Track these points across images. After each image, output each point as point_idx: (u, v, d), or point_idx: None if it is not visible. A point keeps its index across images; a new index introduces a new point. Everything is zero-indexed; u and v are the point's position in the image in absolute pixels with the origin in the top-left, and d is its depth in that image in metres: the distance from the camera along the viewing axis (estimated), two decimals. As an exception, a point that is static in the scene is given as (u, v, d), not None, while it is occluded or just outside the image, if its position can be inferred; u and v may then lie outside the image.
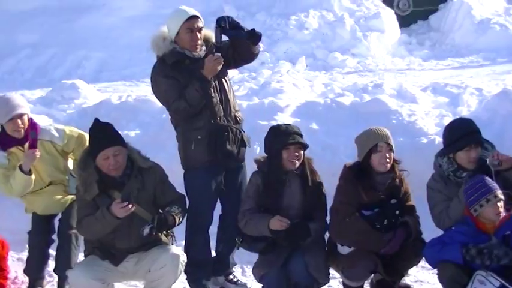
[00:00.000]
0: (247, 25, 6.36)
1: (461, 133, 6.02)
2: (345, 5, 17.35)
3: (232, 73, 13.32)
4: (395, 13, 18.27)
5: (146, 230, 5.86)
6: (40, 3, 18.30)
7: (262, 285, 6.21)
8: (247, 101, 9.70)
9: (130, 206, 5.80)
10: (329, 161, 7.84)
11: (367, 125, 6.50)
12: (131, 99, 10.15)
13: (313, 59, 15.56)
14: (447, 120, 7.92)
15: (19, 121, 6.63)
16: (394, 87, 10.07)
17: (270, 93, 10.11)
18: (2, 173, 6.70)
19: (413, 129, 8.68)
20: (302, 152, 6.18)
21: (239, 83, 12.44)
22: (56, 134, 6.81)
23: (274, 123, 8.76)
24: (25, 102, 6.86)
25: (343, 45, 16.02)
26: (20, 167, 6.56)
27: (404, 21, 18.63)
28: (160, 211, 6.09)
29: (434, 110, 9.33)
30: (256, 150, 8.03)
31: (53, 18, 17.76)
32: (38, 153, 6.53)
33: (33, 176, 6.61)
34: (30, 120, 6.74)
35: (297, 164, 6.12)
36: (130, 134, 8.75)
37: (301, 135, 6.23)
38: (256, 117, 8.87)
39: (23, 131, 6.65)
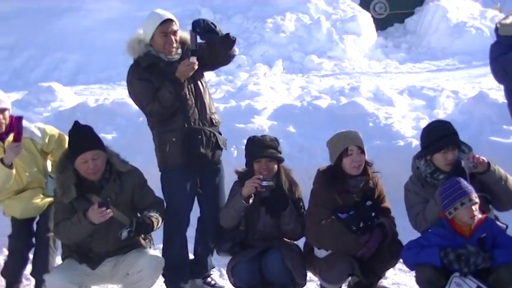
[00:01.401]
0: (224, 28, 6.35)
1: (439, 135, 6.04)
2: (321, 8, 17.40)
3: (209, 76, 13.38)
4: (372, 16, 18.37)
5: (124, 234, 5.86)
6: (17, 6, 18.24)
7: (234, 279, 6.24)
8: (224, 104, 9.71)
9: (108, 211, 5.79)
10: (306, 164, 7.86)
11: (344, 127, 6.50)
12: (108, 102, 10.13)
13: (290, 62, 15.59)
14: (424, 123, 7.96)
15: (0, 116, 6.58)
16: (370, 90, 10.10)
17: (247, 96, 10.12)
18: None
19: (390, 132, 8.71)
20: (275, 165, 6.21)
21: (216, 86, 12.45)
22: (37, 132, 6.73)
23: (251, 126, 8.82)
24: (6, 97, 6.78)
25: (319, 48, 16.07)
26: (1, 160, 6.49)
27: (381, 24, 18.73)
28: (139, 215, 6.06)
29: (411, 112, 9.37)
30: (233, 153, 8.03)
31: (30, 20, 17.68)
32: (21, 147, 6.49)
33: (14, 171, 6.53)
34: (11, 117, 6.68)
35: (265, 184, 6.06)
36: (107, 137, 8.73)
37: (275, 148, 6.24)
38: (233, 120, 8.88)
39: (4, 126, 6.58)
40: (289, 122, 9.01)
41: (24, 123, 6.74)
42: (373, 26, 17.71)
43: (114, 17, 17.60)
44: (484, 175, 5.83)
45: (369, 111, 9.07)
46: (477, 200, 5.65)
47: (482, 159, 5.83)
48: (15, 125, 6.54)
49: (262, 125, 8.89)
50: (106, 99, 10.46)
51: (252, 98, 9.97)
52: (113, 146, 6.54)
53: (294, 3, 17.37)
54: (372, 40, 17.25)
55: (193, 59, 6.13)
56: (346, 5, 17.80)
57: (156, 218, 6.03)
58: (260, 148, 6.22)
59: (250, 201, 6.06)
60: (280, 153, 6.27)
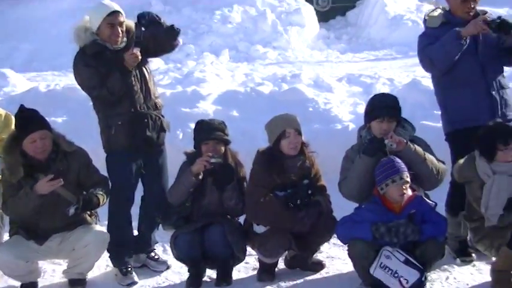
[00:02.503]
0: (173, 19, 6.44)
1: (377, 105, 6.14)
2: (267, 0, 17.43)
3: (158, 64, 13.36)
4: (315, 9, 18.44)
5: (71, 210, 5.90)
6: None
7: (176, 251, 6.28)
8: (171, 90, 9.69)
9: (56, 181, 5.83)
10: (248, 147, 7.83)
11: (285, 112, 6.56)
12: (59, 87, 10.06)
13: (236, 52, 15.61)
14: (360, 108, 8.04)
15: None
16: (311, 77, 10.16)
17: (193, 82, 10.12)
18: None
19: (329, 116, 8.78)
20: (222, 147, 6.26)
21: (164, 74, 12.38)
22: None
23: (196, 110, 8.84)
24: None
25: (264, 39, 16.11)
26: None
27: (324, 17, 18.80)
28: (85, 192, 6.08)
29: (349, 98, 9.45)
30: (179, 136, 8.04)
31: (-15, 9, 17.45)
32: None
33: None
34: None
35: (213, 161, 6.12)
36: (57, 120, 8.68)
37: (223, 131, 6.30)
38: (179, 105, 8.88)
39: None
40: (232, 107, 9.03)
41: None
42: (315, 19, 17.79)
43: (67, 7, 17.38)
44: (402, 153, 5.92)
45: (309, 97, 9.13)
46: (408, 180, 5.74)
47: (399, 139, 5.91)
48: None
49: (207, 109, 8.90)
50: (57, 85, 10.39)
51: (198, 84, 9.96)
52: (63, 129, 6.55)
53: (241, -4, 17.43)
54: (314, 31, 17.34)
55: (137, 51, 6.15)
56: (291, -2, 17.89)
57: (102, 195, 6.07)
58: (208, 131, 6.27)
59: (200, 177, 6.12)
60: (227, 135, 6.33)
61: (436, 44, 6.11)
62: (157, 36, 6.30)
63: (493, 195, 5.68)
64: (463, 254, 6.39)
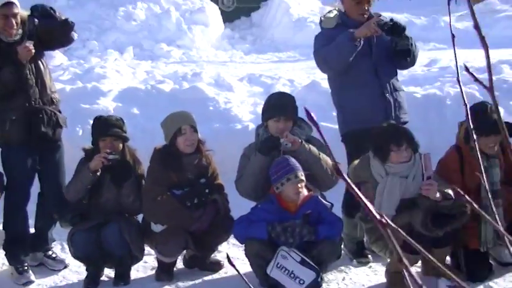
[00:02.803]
0: (77, 14, 6.36)
1: (274, 104, 6.20)
2: (171, -2, 17.37)
3: (61, 60, 13.11)
4: (220, 9, 18.39)
5: None
6: None
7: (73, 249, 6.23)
8: (71, 85, 9.54)
9: None
10: (148, 144, 7.78)
11: (186, 110, 6.55)
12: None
13: (140, 49, 15.45)
14: (260, 108, 8.05)
15: None
16: (212, 76, 10.17)
17: (94, 78, 10.00)
18: None
19: (229, 115, 8.80)
20: (120, 144, 6.23)
21: (65, 69, 12.18)
22: None
23: (96, 106, 8.72)
24: None
25: (169, 37, 15.98)
26: None
27: (228, 17, 18.77)
28: None
29: (249, 98, 9.48)
30: (78, 132, 7.91)
31: None
32: None
33: None
34: None
35: (111, 157, 6.11)
36: None
37: (121, 127, 6.27)
38: (79, 100, 8.76)
39: None
40: (133, 104, 8.98)
41: None
42: (220, 18, 17.75)
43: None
44: (296, 153, 5.98)
45: (210, 95, 9.14)
46: (303, 178, 5.80)
47: (294, 138, 5.97)
48: None
49: (107, 106, 8.80)
50: None
51: (99, 80, 9.85)
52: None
53: (146, -7, 17.28)
54: (219, 31, 17.30)
55: (30, 44, 6.08)
56: (196, -3, 17.83)
57: None
58: (106, 127, 6.24)
59: (98, 174, 6.09)
60: (125, 132, 6.30)
61: (330, 44, 6.15)
62: (51, 30, 6.25)
63: (385, 196, 5.76)
64: (360, 255, 6.46)
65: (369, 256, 6.45)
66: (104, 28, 16.03)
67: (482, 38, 1.42)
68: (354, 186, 1.40)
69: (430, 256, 1.57)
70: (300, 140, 5.99)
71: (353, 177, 6.08)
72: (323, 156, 6.06)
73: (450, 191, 5.60)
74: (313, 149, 6.03)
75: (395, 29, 6.15)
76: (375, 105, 6.32)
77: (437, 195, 5.62)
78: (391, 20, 6.25)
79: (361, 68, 6.22)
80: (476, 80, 1.46)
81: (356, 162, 6.04)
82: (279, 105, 6.17)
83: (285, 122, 6.08)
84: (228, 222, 6.08)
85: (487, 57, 1.45)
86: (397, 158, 5.81)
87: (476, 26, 1.44)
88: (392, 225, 1.48)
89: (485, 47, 1.42)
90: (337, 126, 6.70)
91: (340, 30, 6.23)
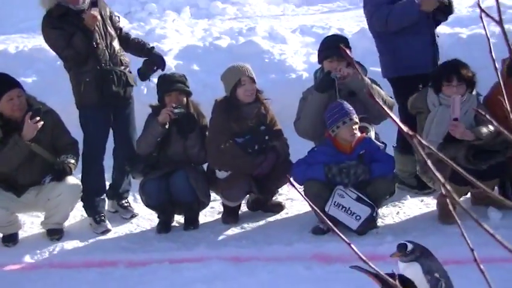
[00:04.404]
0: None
1: (327, 45, 6.25)
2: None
3: (123, 23, 13.20)
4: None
5: (47, 181, 6.13)
6: None
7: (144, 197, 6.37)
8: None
9: (38, 120, 6.03)
10: (209, 98, 7.91)
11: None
12: (27, 49, 9.96)
13: (197, 9, 15.43)
14: (313, 58, 8.07)
15: None
16: (266, 29, 10.13)
17: (155, 38, 10.02)
18: None
19: (284, 66, 8.80)
20: (184, 98, 6.30)
21: (128, 32, 12.27)
22: None
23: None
24: None
25: (223, -6, 15.97)
26: None
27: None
28: (58, 159, 6.20)
29: (302, 49, 9.45)
30: (143, 91, 8.04)
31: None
32: None
33: None
34: None
35: (176, 111, 6.20)
36: (27, 80, 8.57)
37: (184, 83, 6.35)
38: (141, 60, 8.84)
39: None
40: (193, 61, 9.02)
41: None
42: None
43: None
44: (349, 82, 6.04)
45: (264, 48, 9.14)
46: (357, 120, 5.84)
47: (347, 71, 5.99)
48: None
49: (169, 64, 8.84)
50: (25, 46, 10.28)
51: (159, 40, 9.92)
52: (33, 89, 6.62)
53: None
54: None
55: (95, 11, 6.22)
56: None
57: (73, 164, 6.21)
58: (170, 83, 6.34)
59: (166, 127, 6.18)
60: (188, 87, 6.38)
61: (396, 9, 6.14)
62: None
63: (434, 124, 5.77)
64: (423, 188, 6.48)
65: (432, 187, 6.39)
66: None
67: None
68: (388, 111, 1.45)
69: (478, 183, 1.53)
70: (351, 71, 5.99)
71: (410, 108, 6.09)
72: (375, 86, 6.12)
73: (491, 127, 5.59)
74: (365, 78, 6.02)
75: (448, 10, 6.30)
76: (426, 52, 6.36)
77: (470, 134, 5.66)
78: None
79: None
80: (487, 15, 1.52)
81: (415, 94, 6.08)
82: (333, 47, 6.14)
83: (338, 62, 6.10)
84: (287, 165, 6.14)
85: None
86: (448, 91, 5.83)
87: None
88: (436, 152, 1.53)
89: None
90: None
91: None
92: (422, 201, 6.45)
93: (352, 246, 1.58)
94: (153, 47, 6.81)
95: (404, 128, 1.39)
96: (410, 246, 3.89)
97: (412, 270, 3.89)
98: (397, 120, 1.42)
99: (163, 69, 6.68)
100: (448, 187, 1.46)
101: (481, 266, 1.53)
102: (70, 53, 6.26)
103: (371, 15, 6.43)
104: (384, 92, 6.23)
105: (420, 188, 6.49)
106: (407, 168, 6.47)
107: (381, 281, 3.43)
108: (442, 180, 1.45)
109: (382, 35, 6.54)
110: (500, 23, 1.39)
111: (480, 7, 1.48)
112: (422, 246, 3.98)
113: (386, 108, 1.44)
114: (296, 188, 1.73)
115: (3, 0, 16.17)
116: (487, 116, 1.63)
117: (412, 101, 6.01)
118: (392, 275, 3.66)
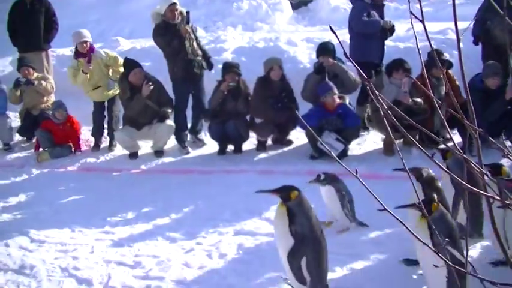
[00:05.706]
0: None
1: (319, 48, 6.31)
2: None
3: (201, 32, 12.95)
4: (289, 1, 17.58)
5: (155, 121, 6.19)
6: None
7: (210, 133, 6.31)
8: (207, 46, 9.50)
9: (151, 85, 6.00)
10: (251, 77, 7.77)
11: (273, 55, 6.58)
12: (146, 46, 9.82)
13: (245, 25, 14.97)
14: (313, 55, 7.83)
15: (84, 44, 6.52)
16: (286, 38, 9.64)
17: (220, 41, 9.73)
18: (72, 72, 6.58)
19: (295, 60, 8.40)
20: (237, 76, 6.17)
21: (203, 38, 12.10)
22: (103, 54, 6.65)
23: (221, 58, 8.55)
24: (89, 34, 6.67)
25: (262, 19, 15.43)
26: (82, 70, 6.48)
27: (294, 6, 17.57)
28: (161, 109, 6.19)
29: (307, 50, 8.95)
30: (211, 71, 8.00)
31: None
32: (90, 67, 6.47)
33: (88, 75, 6.51)
34: (91, 45, 6.63)
35: (231, 84, 6.11)
36: (146, 64, 8.42)
37: (237, 67, 6.22)
38: (212, 54, 8.75)
39: (85, 50, 6.54)
40: (242, 55, 8.60)
41: (96, 49, 6.69)
42: (289, 6, 16.86)
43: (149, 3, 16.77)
44: (334, 69, 5.98)
45: (284, 49, 8.79)
46: (337, 92, 5.76)
47: (332, 62, 5.95)
48: (90, 51, 6.53)
49: (227, 57, 8.69)
50: (142, 46, 10.18)
51: (223, 42, 9.56)
52: (150, 68, 6.64)
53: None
54: (289, 14, 16.25)
55: (187, 26, 6.15)
56: None
57: (170, 112, 6.25)
58: (229, 67, 6.26)
59: (225, 92, 6.10)
60: (239, 70, 6.24)
61: (369, 22, 6.26)
62: None
63: (386, 95, 5.59)
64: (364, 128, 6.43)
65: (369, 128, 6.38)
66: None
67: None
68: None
69: (407, 134, 1.55)
70: (335, 62, 6.00)
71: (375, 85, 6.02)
72: (349, 71, 6.05)
73: (419, 99, 5.57)
74: (344, 66, 6.03)
75: (392, 31, 6.40)
76: (377, 50, 6.41)
77: (410, 101, 5.59)
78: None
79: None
80: (414, 15, 1.45)
81: (376, 76, 6.04)
82: (323, 49, 6.13)
83: (327, 57, 6.05)
84: (296, 118, 6.06)
85: None
86: (398, 76, 5.79)
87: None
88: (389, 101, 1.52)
89: None
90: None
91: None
92: (374, 142, 6.38)
93: (341, 162, 1.59)
94: (210, 56, 6.57)
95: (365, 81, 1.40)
96: (322, 176, 3.85)
97: (328, 190, 3.90)
98: (362, 73, 1.43)
99: (210, 70, 6.54)
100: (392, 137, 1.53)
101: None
102: (169, 51, 6.21)
103: (352, 25, 6.40)
104: (353, 73, 6.17)
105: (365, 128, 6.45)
106: (361, 114, 6.34)
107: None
108: (389, 130, 1.52)
109: (354, 35, 6.46)
110: (422, 21, 1.38)
111: (411, 12, 1.46)
112: (331, 173, 3.91)
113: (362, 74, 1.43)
114: (308, 128, 1.74)
115: (133, 15, 15.81)
116: (423, 88, 1.64)
117: (373, 81, 5.94)
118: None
